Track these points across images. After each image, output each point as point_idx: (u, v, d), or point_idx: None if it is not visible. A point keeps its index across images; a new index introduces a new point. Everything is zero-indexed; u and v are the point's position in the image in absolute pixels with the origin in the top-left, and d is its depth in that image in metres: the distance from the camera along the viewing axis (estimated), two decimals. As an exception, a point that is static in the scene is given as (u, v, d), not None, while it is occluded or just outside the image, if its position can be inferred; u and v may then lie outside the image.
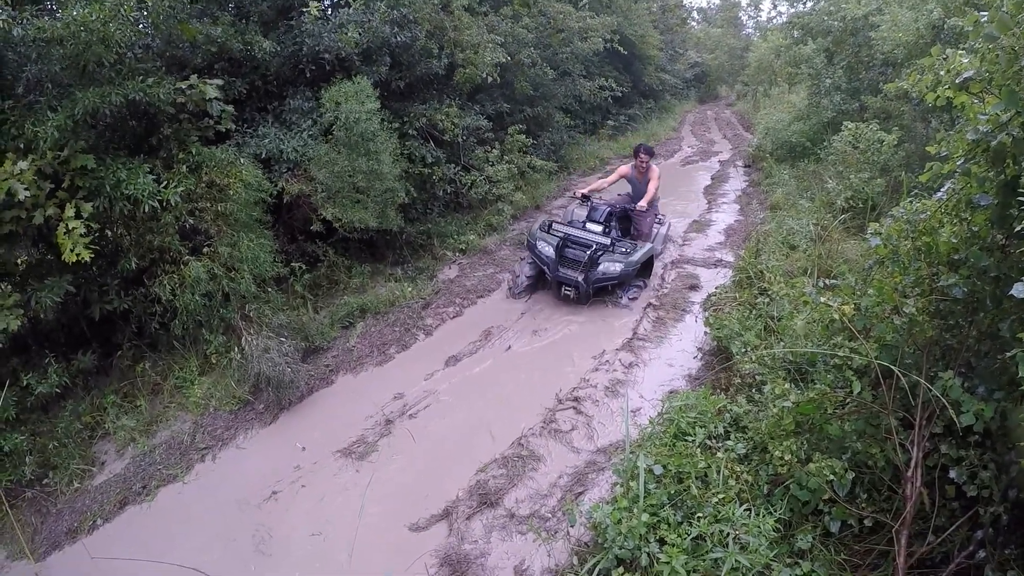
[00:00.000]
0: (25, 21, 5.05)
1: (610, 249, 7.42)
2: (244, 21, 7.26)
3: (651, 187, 8.14)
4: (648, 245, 7.85)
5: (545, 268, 7.47)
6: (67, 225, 4.85)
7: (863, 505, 3.44)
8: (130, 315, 5.86)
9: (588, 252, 7.25)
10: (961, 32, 7.38)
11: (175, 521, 4.49)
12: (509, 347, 6.61)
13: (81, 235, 4.86)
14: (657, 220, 8.91)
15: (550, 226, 7.81)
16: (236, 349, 5.81)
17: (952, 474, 2.98)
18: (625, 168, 8.61)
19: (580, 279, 7.20)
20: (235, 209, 6.05)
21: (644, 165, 8.31)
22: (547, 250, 7.44)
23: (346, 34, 7.29)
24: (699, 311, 7.18)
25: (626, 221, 8.50)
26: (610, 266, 7.28)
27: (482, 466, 4.79)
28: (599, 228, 7.71)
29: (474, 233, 9.75)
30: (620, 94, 17.68)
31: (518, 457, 4.86)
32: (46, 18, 5.19)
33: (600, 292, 7.54)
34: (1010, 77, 2.79)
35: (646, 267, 7.89)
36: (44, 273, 5.09)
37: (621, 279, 7.37)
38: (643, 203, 7.99)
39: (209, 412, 5.57)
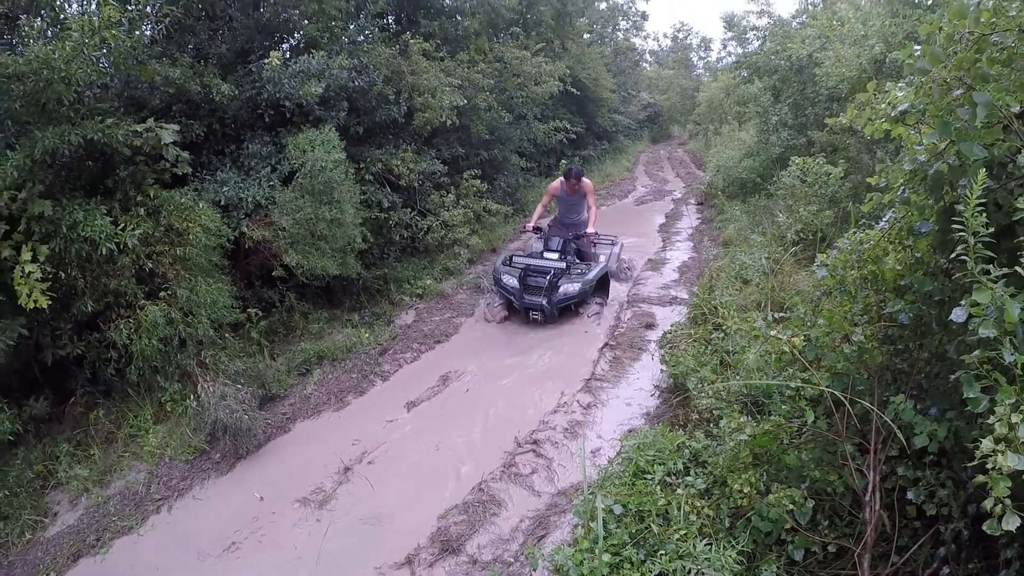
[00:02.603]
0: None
1: (567, 272, 8.16)
2: (203, 63, 7.27)
3: (591, 203, 8.92)
4: (601, 264, 8.58)
5: (512, 298, 8.15)
6: (23, 269, 4.78)
7: (825, 532, 3.49)
8: (84, 360, 5.74)
9: (547, 278, 7.95)
10: (901, 66, 7.73)
11: (131, 574, 4.38)
12: (467, 391, 6.61)
13: (38, 280, 4.79)
14: (610, 241, 9.70)
15: (511, 260, 8.53)
16: (192, 396, 5.72)
17: (910, 495, 3.03)
18: (555, 185, 9.11)
19: (544, 303, 7.88)
20: (194, 254, 6.00)
21: (575, 184, 8.80)
22: (511, 282, 8.14)
23: (308, 86, 7.34)
24: (655, 349, 7.25)
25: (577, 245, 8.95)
26: (569, 287, 8.01)
27: (443, 512, 4.76)
28: (555, 255, 8.39)
29: (431, 278, 9.77)
30: (575, 136, 18.02)
31: (479, 502, 4.84)
32: (8, 54, 5.15)
33: (563, 312, 8.22)
34: (943, 108, 2.93)
35: (603, 286, 8.68)
36: (-4, 315, 4.99)
37: (580, 297, 8.13)
38: (591, 228, 8.74)
39: (164, 461, 5.47)
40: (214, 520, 4.85)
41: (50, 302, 4.81)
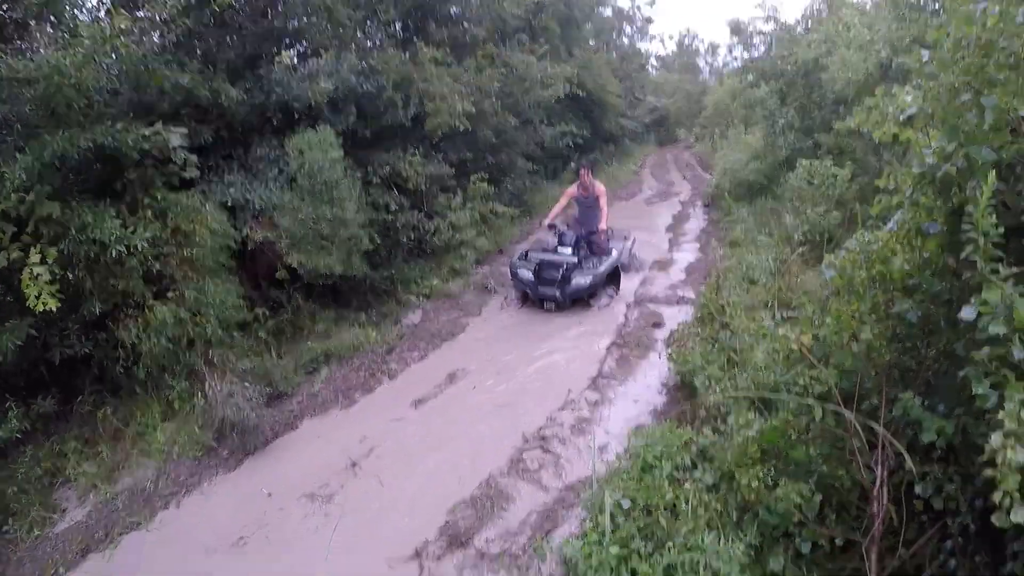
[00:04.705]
0: (-1, 60, 5.07)
1: (579, 266, 8.66)
2: (211, 69, 7.32)
3: (602, 205, 9.27)
4: (612, 258, 9.09)
5: (528, 290, 8.72)
6: (32, 271, 4.80)
7: (833, 525, 3.50)
8: (91, 359, 5.78)
9: (561, 271, 8.40)
10: (908, 70, 7.75)
11: (139, 570, 4.40)
12: (474, 388, 6.63)
13: (47, 282, 4.81)
14: (622, 237, 10.19)
15: (527, 255, 9.07)
16: (200, 394, 5.77)
17: (918, 489, 3.03)
18: (572, 189, 9.73)
19: (558, 294, 8.41)
20: (201, 255, 6.07)
21: (587, 180, 9.40)
22: (527, 275, 8.67)
23: (317, 84, 7.38)
24: (663, 347, 7.28)
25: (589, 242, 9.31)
26: (581, 279, 8.53)
27: (451, 507, 4.77)
28: (569, 250, 8.77)
29: (438, 278, 9.81)
30: (581, 140, 18.09)
31: (487, 497, 4.86)
32: (19, 59, 5.20)
33: (571, 310, 8.63)
34: (951, 112, 2.95)
35: (614, 278, 9.22)
36: (4, 316, 5.02)
37: (591, 290, 8.66)
38: (603, 225, 9.16)
39: (172, 458, 5.50)
40: (222, 516, 4.87)
41: (59, 303, 4.84)
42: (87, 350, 5.65)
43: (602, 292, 8.96)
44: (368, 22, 9.29)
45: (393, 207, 9.21)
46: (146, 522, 4.82)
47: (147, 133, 5.79)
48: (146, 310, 5.70)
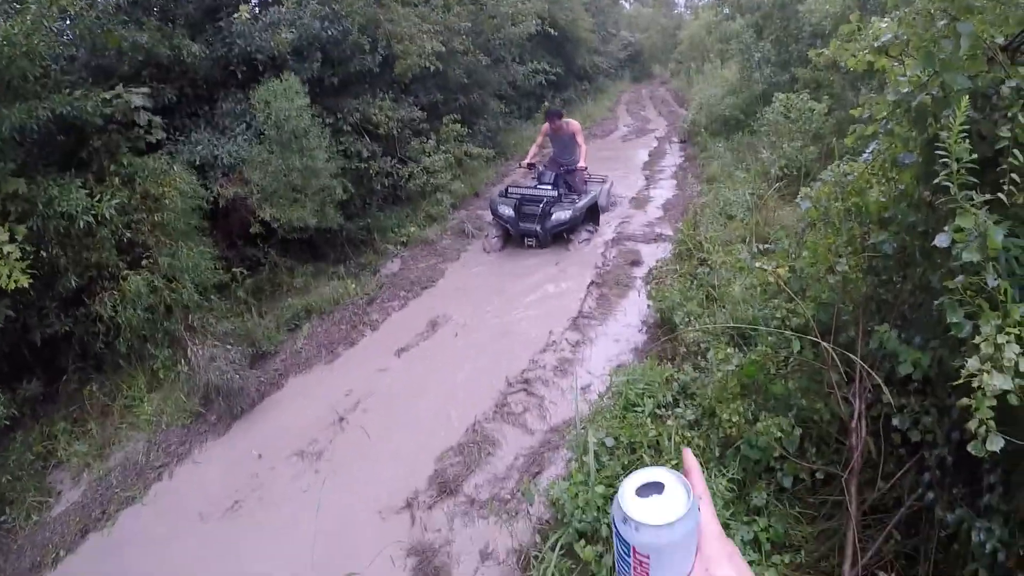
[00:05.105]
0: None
1: (559, 200, 8.74)
2: (170, 25, 7.10)
3: (580, 142, 9.30)
4: (591, 194, 9.22)
5: (508, 226, 8.74)
6: (1, 250, 4.71)
7: (813, 459, 3.57)
8: (72, 337, 5.73)
9: (541, 205, 8.50)
10: (885, 2, 7.64)
11: (139, 544, 4.43)
12: (456, 335, 6.64)
13: (17, 259, 4.72)
14: (599, 180, 10.30)
15: (507, 191, 9.04)
16: (183, 361, 5.74)
17: (895, 422, 3.06)
18: (546, 127, 9.56)
19: (538, 228, 8.47)
20: (172, 218, 5.97)
21: (557, 125, 9.27)
22: (507, 211, 8.66)
23: (279, 35, 7.18)
24: (641, 285, 7.30)
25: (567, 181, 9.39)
26: (561, 214, 8.57)
27: (439, 455, 4.83)
28: (548, 186, 8.90)
29: (414, 225, 9.75)
30: (554, 78, 17.83)
31: (474, 443, 4.91)
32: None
33: (556, 238, 8.78)
34: (926, 39, 2.90)
35: (593, 214, 9.35)
36: (-22, 300, 4.93)
37: (571, 224, 8.70)
38: (582, 163, 9.25)
39: (161, 428, 5.49)
40: (215, 482, 4.90)
41: (31, 280, 4.74)
42: (67, 327, 5.60)
43: (581, 228, 9.03)
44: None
45: (365, 154, 9.08)
46: (141, 495, 4.84)
47: (108, 97, 5.65)
48: (121, 281, 5.63)
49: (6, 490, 4.89)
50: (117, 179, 5.74)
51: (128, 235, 5.73)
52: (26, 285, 4.69)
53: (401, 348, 6.44)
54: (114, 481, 5.00)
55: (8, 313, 5.02)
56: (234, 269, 6.89)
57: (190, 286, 5.93)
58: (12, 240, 4.79)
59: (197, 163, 6.83)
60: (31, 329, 5.43)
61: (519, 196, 8.77)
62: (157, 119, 6.05)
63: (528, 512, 4.13)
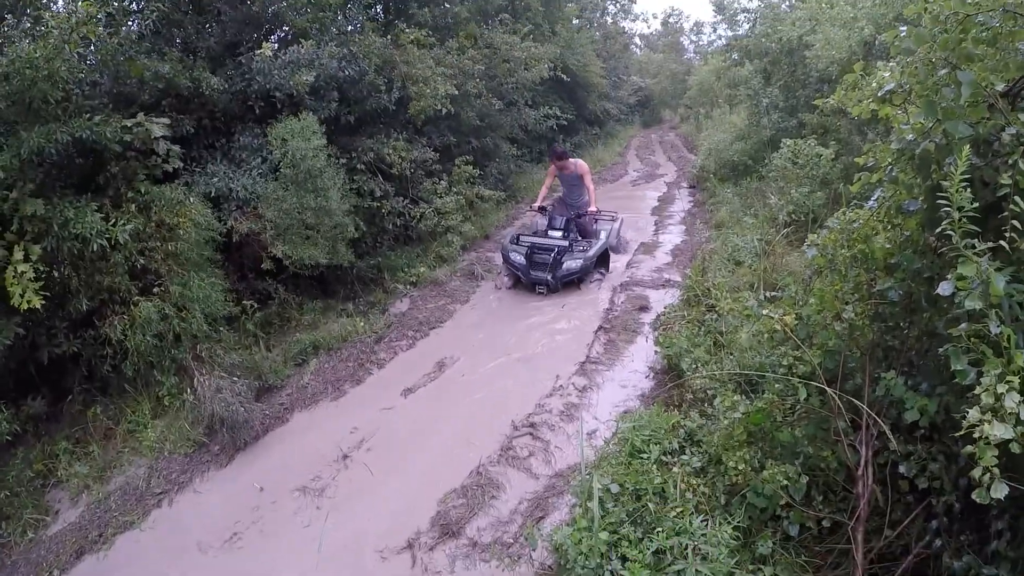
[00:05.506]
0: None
1: (570, 249, 8.73)
2: (192, 57, 7.25)
3: (588, 183, 9.41)
4: (601, 241, 9.15)
5: (520, 274, 8.75)
6: (16, 269, 4.76)
7: (819, 507, 3.54)
8: (80, 358, 5.75)
9: (552, 255, 8.54)
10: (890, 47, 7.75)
11: (135, 569, 4.40)
12: (463, 376, 6.64)
13: (31, 280, 4.77)
14: (609, 218, 10.23)
15: (518, 238, 9.03)
16: (189, 390, 5.74)
17: (902, 469, 3.05)
18: (554, 168, 9.65)
19: (549, 278, 8.48)
20: (185, 248, 6.03)
21: (563, 164, 9.37)
22: (519, 259, 8.70)
23: (299, 76, 7.32)
24: (649, 331, 7.30)
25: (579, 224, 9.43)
26: (572, 263, 8.61)
27: (442, 496, 4.79)
28: (559, 233, 8.91)
29: (424, 265, 9.77)
30: (565, 122, 18.00)
31: (478, 486, 4.88)
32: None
33: (567, 285, 8.81)
34: (928, 88, 2.95)
35: (603, 260, 9.33)
36: (-10, 317, 4.97)
37: (582, 273, 8.75)
38: (593, 207, 9.30)
39: (164, 456, 5.48)
40: (215, 512, 4.88)
41: (43, 301, 4.80)
42: (75, 348, 5.63)
43: (592, 273, 9.06)
44: (349, 5, 9.18)
45: (378, 193, 9.17)
46: (139, 521, 4.82)
47: (128, 124, 5.73)
48: (132, 306, 5.66)
49: (4, 505, 4.88)
50: (133, 206, 5.80)
51: (141, 261, 5.79)
52: (38, 306, 4.74)
53: (408, 388, 6.43)
54: (113, 504, 4.98)
55: (18, 331, 5.04)
56: (244, 302, 6.93)
57: (200, 316, 5.96)
58: (27, 260, 4.85)
59: (212, 194, 6.90)
60: (39, 348, 5.46)
61: (531, 244, 8.82)
62: (175, 148, 6.15)
63: (531, 557, 4.09)
